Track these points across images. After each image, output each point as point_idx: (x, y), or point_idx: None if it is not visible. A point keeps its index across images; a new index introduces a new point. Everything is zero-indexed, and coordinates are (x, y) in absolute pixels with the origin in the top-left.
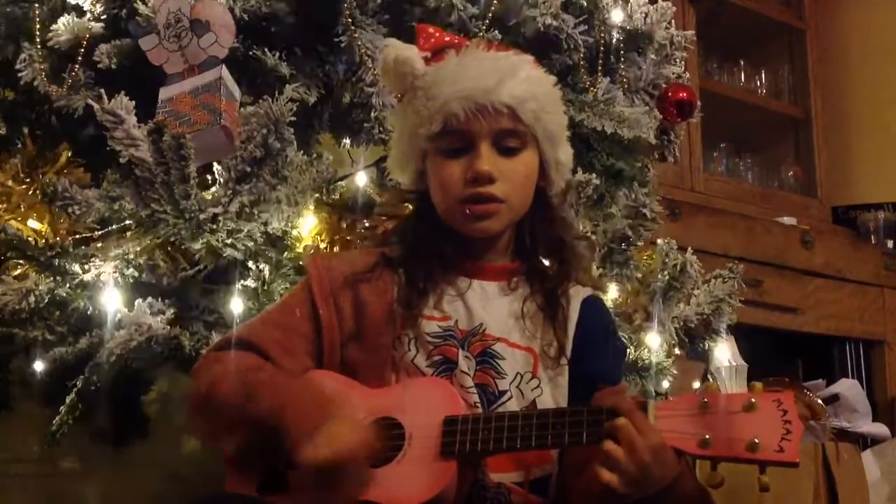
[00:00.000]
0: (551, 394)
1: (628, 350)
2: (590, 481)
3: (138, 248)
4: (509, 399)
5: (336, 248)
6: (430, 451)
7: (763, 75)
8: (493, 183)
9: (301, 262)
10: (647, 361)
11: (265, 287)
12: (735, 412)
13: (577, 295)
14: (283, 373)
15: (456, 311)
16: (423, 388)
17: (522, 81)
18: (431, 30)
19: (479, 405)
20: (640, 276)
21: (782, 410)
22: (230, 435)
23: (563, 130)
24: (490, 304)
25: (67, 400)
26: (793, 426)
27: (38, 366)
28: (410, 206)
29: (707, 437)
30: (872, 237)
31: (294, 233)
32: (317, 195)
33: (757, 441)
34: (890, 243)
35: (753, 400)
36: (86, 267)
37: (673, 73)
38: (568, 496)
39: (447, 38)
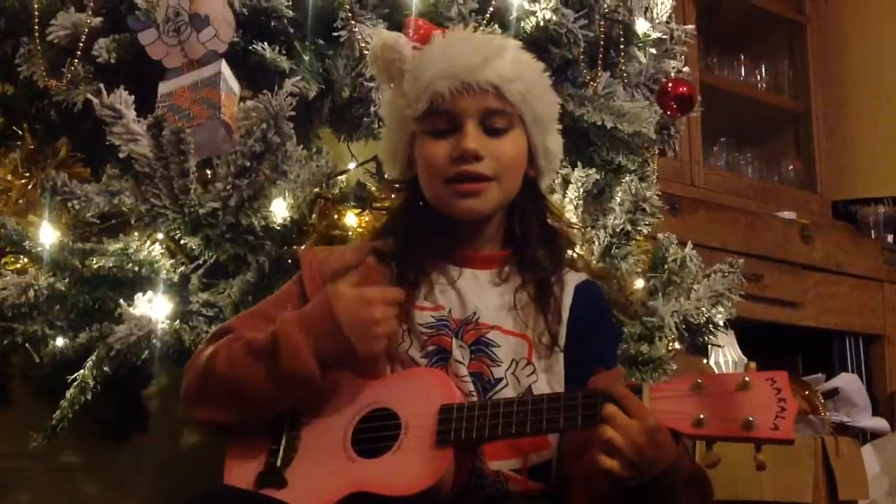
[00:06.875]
0: (547, 380)
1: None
2: (590, 467)
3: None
4: (505, 386)
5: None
6: (426, 440)
7: (763, 69)
8: (479, 160)
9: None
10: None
11: (264, 282)
12: (729, 391)
13: (571, 281)
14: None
15: (449, 300)
16: (418, 378)
17: (509, 62)
18: (420, 22)
19: (474, 394)
20: (639, 270)
21: (776, 388)
22: (235, 399)
23: (552, 117)
24: (483, 292)
25: (67, 394)
26: (787, 404)
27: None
28: (400, 197)
29: (701, 416)
30: (872, 231)
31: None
32: (316, 190)
33: (751, 419)
34: (890, 237)
35: (747, 379)
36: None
37: (673, 68)
38: (568, 482)
39: (436, 31)
